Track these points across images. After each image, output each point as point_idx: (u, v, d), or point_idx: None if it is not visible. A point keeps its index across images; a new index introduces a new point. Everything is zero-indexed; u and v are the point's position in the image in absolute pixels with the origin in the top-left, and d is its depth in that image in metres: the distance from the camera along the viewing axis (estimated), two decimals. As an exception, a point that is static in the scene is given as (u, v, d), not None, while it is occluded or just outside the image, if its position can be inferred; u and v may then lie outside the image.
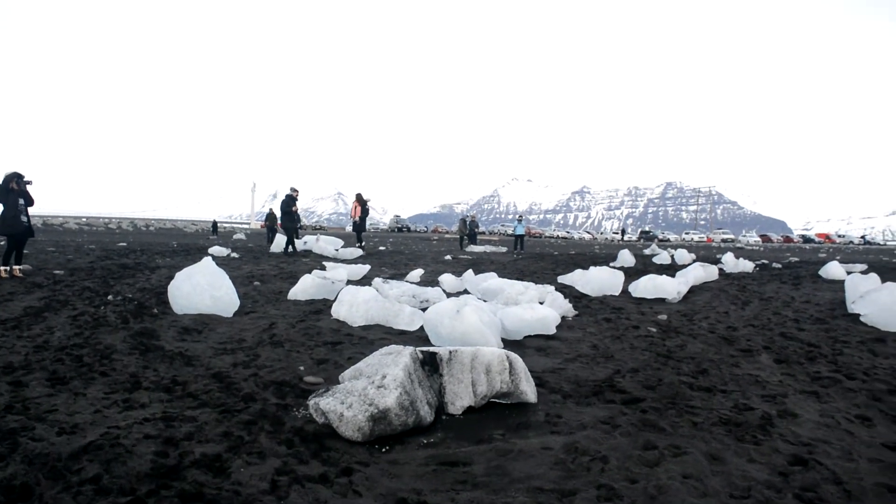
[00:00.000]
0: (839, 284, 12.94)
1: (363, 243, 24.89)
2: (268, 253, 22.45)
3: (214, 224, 68.94)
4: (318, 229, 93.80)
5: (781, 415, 5.01)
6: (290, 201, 22.81)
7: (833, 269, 15.61)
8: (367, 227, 53.99)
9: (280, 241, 22.98)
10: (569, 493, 3.50)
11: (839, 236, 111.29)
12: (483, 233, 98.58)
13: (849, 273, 13.83)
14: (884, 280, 11.22)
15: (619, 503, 3.39)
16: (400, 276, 14.60)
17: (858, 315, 9.68)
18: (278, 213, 24.59)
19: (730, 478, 3.73)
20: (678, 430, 4.55)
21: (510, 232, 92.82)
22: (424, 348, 5.01)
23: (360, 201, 24.82)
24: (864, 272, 14.71)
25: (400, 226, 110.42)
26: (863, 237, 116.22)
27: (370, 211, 25.89)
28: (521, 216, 36.89)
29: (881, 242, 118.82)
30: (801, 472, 3.85)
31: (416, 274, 14.27)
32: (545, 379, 5.93)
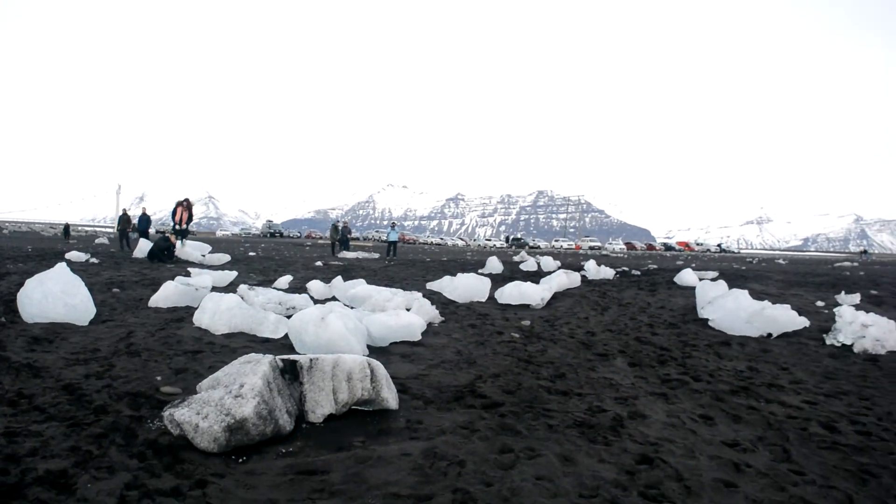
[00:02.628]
0: (691, 291, 13.59)
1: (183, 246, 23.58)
2: (130, 258, 21.57)
3: (66, 227, 64.19)
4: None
5: (632, 416, 5.27)
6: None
7: (686, 276, 16.39)
8: (239, 231, 52.30)
9: (144, 246, 22.04)
10: (425, 497, 3.57)
11: (698, 244, 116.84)
12: (357, 238, 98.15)
13: (700, 280, 14.56)
14: (731, 286, 11.92)
15: (474, 506, 3.48)
16: (268, 283, 14.34)
17: (707, 320, 10.22)
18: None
19: (580, 478, 3.89)
20: (534, 433, 4.71)
21: (385, 238, 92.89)
22: (285, 356, 4.99)
23: (186, 206, 24.19)
24: (713, 279, 15.53)
25: (272, 231, 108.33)
26: (719, 245, 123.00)
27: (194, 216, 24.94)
28: (394, 222, 37.05)
29: (735, 250, 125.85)
30: (646, 470, 4.07)
31: (285, 280, 14.06)
32: (408, 385, 6.00)
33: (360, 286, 11.57)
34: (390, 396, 5.16)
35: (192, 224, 24.32)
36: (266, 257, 26.41)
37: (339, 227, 35.65)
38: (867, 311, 9.48)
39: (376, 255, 30.97)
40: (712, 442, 4.75)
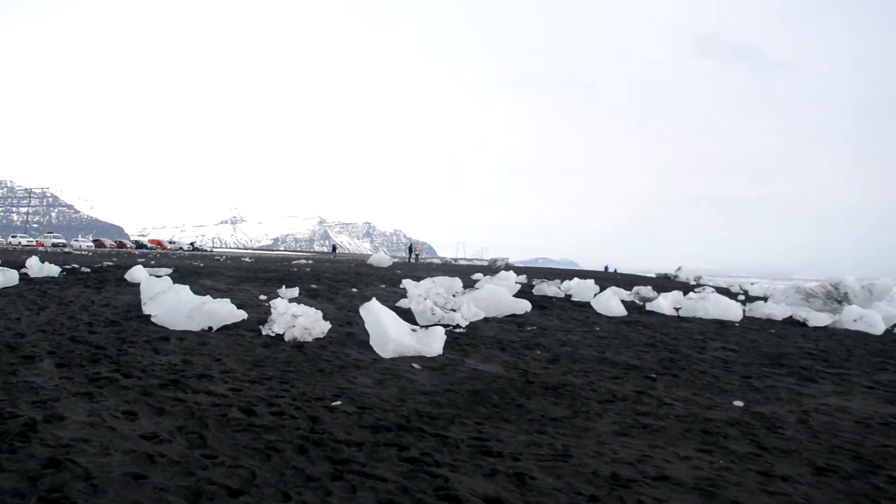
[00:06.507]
0: (139, 287, 13.56)
1: None
2: None
3: None
4: None
5: (48, 419, 5.06)
6: None
7: (136, 273, 16.36)
8: None
9: None
10: None
11: (171, 243, 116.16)
12: None
13: (151, 276, 14.59)
14: (186, 282, 12.18)
15: None
16: None
17: (151, 316, 10.29)
18: None
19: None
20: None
21: None
22: None
23: None
24: (160, 276, 15.71)
25: None
26: (192, 244, 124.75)
27: None
28: None
29: (209, 249, 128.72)
30: (52, 473, 3.95)
31: None
32: None
33: None
34: None
35: None
36: None
37: None
38: (303, 304, 10.46)
39: None
40: (130, 437, 4.80)
